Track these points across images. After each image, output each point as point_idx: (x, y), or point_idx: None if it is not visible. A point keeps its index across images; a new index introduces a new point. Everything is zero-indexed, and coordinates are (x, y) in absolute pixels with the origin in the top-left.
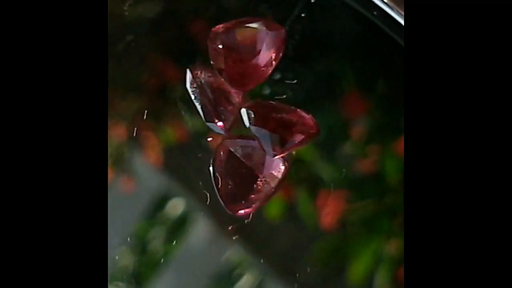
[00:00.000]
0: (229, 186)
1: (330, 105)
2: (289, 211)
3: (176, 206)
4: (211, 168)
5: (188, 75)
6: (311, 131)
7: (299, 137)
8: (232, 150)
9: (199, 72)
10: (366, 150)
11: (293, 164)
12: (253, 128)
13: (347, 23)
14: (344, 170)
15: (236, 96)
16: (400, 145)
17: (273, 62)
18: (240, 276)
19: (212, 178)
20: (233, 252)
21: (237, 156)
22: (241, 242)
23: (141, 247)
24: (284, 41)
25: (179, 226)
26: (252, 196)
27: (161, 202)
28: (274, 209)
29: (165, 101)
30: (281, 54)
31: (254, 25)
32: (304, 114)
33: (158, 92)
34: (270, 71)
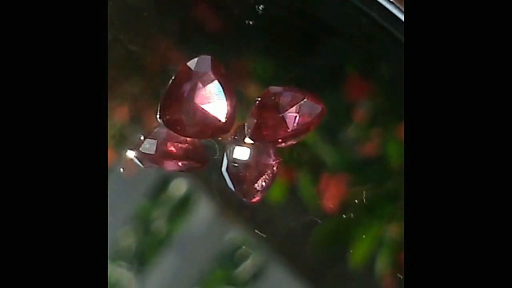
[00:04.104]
0: (246, 181)
1: (333, 88)
2: (291, 194)
3: (179, 187)
4: (224, 168)
5: (135, 158)
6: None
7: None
8: None
9: (144, 146)
10: (369, 134)
11: (295, 147)
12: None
13: (350, 10)
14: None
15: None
16: (403, 129)
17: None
18: (243, 256)
19: (227, 177)
20: (236, 233)
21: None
22: (244, 223)
23: (144, 227)
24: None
25: (182, 206)
26: (266, 182)
27: (163, 183)
28: (277, 192)
29: (168, 83)
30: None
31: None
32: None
33: (161, 74)
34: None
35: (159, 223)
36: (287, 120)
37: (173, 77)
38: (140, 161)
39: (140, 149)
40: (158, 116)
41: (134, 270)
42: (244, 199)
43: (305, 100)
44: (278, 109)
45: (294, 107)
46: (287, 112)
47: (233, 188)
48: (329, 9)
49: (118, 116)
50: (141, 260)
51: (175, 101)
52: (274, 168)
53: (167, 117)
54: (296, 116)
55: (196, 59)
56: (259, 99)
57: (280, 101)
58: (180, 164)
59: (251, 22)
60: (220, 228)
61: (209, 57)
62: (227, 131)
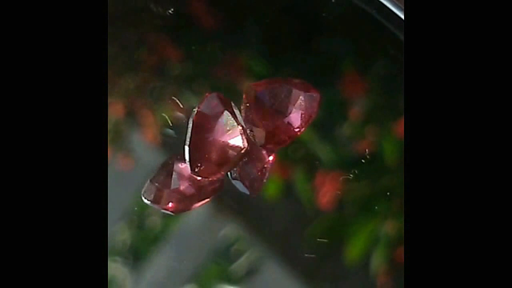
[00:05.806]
0: (249, 173)
1: (329, 85)
2: (287, 191)
3: None
4: (234, 177)
5: (165, 210)
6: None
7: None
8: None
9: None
10: (364, 131)
11: (291, 144)
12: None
13: (347, 7)
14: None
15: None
16: (398, 126)
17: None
18: (238, 252)
19: (240, 184)
20: (231, 229)
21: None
22: (239, 219)
23: (139, 222)
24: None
25: None
26: (264, 175)
27: None
28: (272, 189)
29: (163, 79)
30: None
31: None
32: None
33: (156, 70)
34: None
35: (154, 218)
36: (293, 122)
37: (190, 127)
38: (172, 212)
39: (169, 204)
40: (190, 171)
41: (129, 265)
42: (253, 195)
43: (304, 94)
44: (280, 113)
45: (294, 106)
46: (290, 114)
47: (247, 192)
48: (326, 5)
49: (113, 111)
50: (136, 255)
51: (200, 150)
52: (271, 159)
53: (200, 168)
54: (299, 115)
55: (204, 101)
56: (247, 104)
57: (280, 103)
58: (205, 201)
59: (171, 11)
60: (215, 224)
61: (215, 94)
62: (247, 154)
